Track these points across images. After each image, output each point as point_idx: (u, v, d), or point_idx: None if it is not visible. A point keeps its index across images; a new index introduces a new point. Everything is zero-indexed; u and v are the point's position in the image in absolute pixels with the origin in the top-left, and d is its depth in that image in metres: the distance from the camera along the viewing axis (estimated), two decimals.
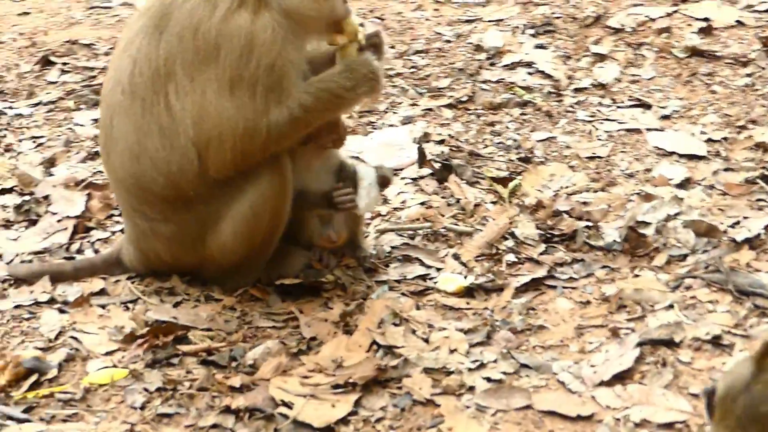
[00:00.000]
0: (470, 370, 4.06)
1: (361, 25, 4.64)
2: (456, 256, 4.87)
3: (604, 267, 4.76)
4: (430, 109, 6.43)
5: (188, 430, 3.83)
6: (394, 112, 6.37)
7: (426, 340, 4.28)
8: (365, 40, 4.61)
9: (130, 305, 4.57)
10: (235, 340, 4.35)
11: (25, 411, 3.94)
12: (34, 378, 4.11)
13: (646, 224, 4.96)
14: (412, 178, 5.60)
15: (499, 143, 5.95)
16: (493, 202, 5.33)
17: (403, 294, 4.63)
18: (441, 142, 5.99)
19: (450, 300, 4.59)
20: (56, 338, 4.36)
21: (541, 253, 4.86)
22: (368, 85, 4.50)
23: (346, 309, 4.45)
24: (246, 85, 4.33)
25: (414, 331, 4.33)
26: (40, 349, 4.29)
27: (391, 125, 6.22)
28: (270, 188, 4.48)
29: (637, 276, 4.65)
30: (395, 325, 4.36)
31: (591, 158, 5.75)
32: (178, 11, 4.40)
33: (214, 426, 3.83)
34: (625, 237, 4.88)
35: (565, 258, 4.83)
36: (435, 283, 4.71)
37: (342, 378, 4.04)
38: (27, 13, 8.75)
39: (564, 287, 4.65)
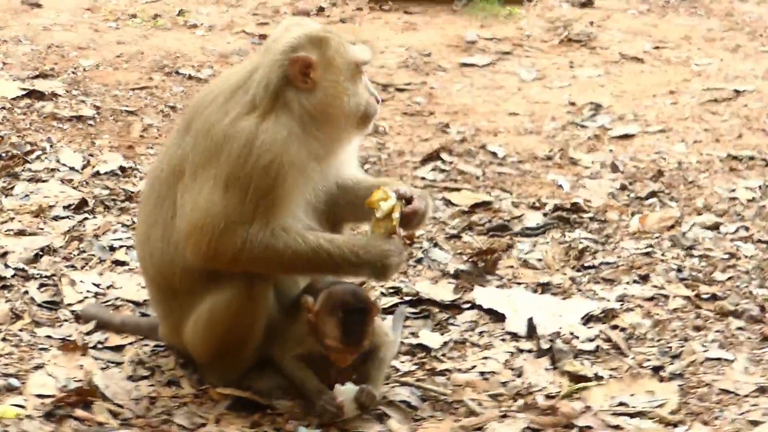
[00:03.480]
0: None
1: (408, 201, 4.49)
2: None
3: None
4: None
5: None
6: (625, 288, 5.77)
7: None
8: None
9: (111, 365, 4.91)
10: (136, 423, 4.49)
11: None
12: None
13: None
14: (519, 348, 5.16)
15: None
16: (550, 396, 4.75)
17: None
18: (615, 327, 5.36)
19: None
20: (29, 371, 4.84)
21: None
22: (373, 273, 4.45)
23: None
24: (240, 186, 4.39)
25: None
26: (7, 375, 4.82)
27: (602, 298, 5.65)
28: (232, 301, 4.53)
29: None
30: None
31: None
32: (199, 115, 4.61)
33: None
34: None
35: None
36: None
37: None
38: None
39: None
